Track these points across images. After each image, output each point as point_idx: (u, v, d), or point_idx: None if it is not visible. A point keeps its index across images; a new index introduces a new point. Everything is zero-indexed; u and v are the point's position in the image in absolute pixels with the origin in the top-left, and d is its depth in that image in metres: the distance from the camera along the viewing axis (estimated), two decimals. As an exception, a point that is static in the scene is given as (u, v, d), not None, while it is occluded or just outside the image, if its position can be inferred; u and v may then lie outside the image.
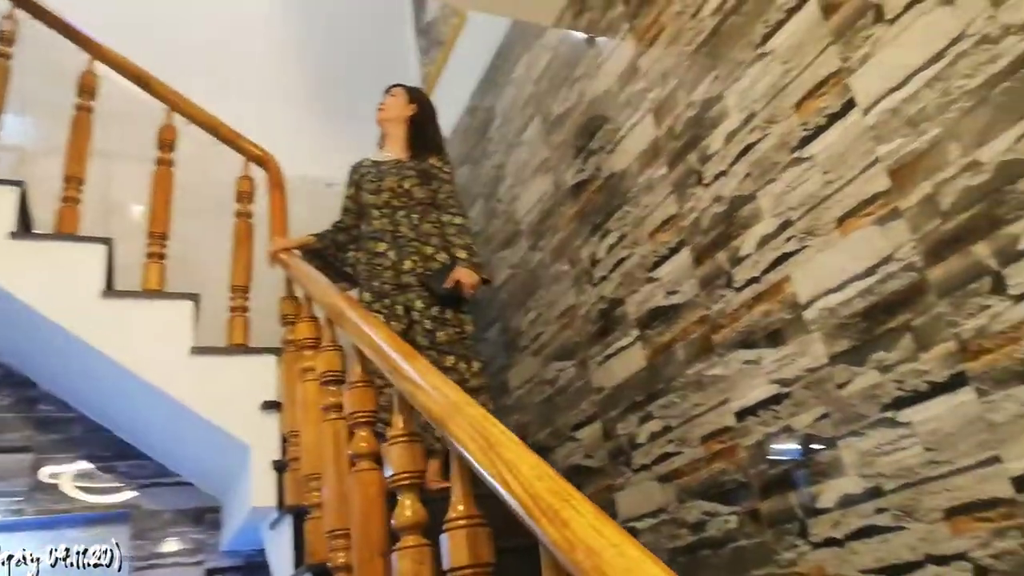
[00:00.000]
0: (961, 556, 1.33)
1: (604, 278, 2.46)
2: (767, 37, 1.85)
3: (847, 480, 1.57)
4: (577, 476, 2.44)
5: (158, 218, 2.60)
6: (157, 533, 2.88)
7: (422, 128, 2.75)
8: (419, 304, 2.45)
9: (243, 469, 2.43)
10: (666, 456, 2.11)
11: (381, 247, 2.54)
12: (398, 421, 1.38)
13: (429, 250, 2.52)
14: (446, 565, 1.06)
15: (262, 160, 2.90)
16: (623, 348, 2.33)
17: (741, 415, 1.86)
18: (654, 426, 2.16)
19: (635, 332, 2.28)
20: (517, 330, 3.02)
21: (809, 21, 1.73)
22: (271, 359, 2.56)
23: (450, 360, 2.38)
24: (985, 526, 1.29)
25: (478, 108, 3.47)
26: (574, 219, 2.66)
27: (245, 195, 2.83)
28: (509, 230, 3.14)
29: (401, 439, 1.35)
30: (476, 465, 0.99)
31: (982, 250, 1.33)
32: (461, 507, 1.09)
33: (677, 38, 2.17)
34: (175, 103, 2.77)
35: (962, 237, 1.37)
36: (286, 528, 2.16)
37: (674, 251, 2.14)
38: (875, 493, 1.50)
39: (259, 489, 2.33)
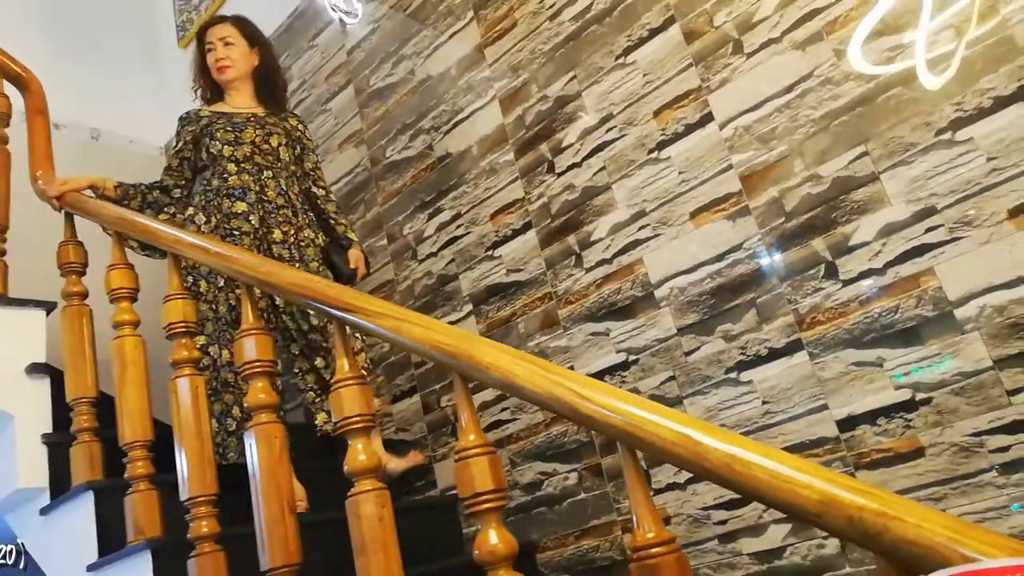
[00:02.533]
0: (790, 485, 1.67)
1: (433, 255, 2.51)
2: (629, 50, 2.10)
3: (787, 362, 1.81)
4: (392, 448, 2.43)
5: None
6: None
7: (271, 79, 2.39)
8: None
9: (0, 446, 1.97)
10: (499, 423, 2.23)
11: (240, 207, 2.16)
12: (343, 364, 1.30)
13: (299, 222, 2.22)
14: (467, 492, 1.06)
15: (20, 79, 2.39)
16: (453, 322, 2.40)
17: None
18: (487, 395, 2.26)
19: (468, 307, 2.37)
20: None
21: (671, 42, 2.02)
22: (39, 314, 2.12)
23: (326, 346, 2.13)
24: (815, 460, 1.65)
25: (271, 69, 3.25)
26: (395, 195, 2.66)
27: (1, 117, 2.30)
28: (305, 201, 3.00)
29: (349, 382, 1.28)
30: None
31: (819, 244, 1.70)
32: (472, 436, 1.09)
33: (532, 36, 2.33)
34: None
35: (802, 233, 1.73)
36: (79, 510, 1.81)
37: (518, 232, 2.28)
38: (716, 441, 1.80)
39: (26, 468, 1.92)
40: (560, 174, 2.21)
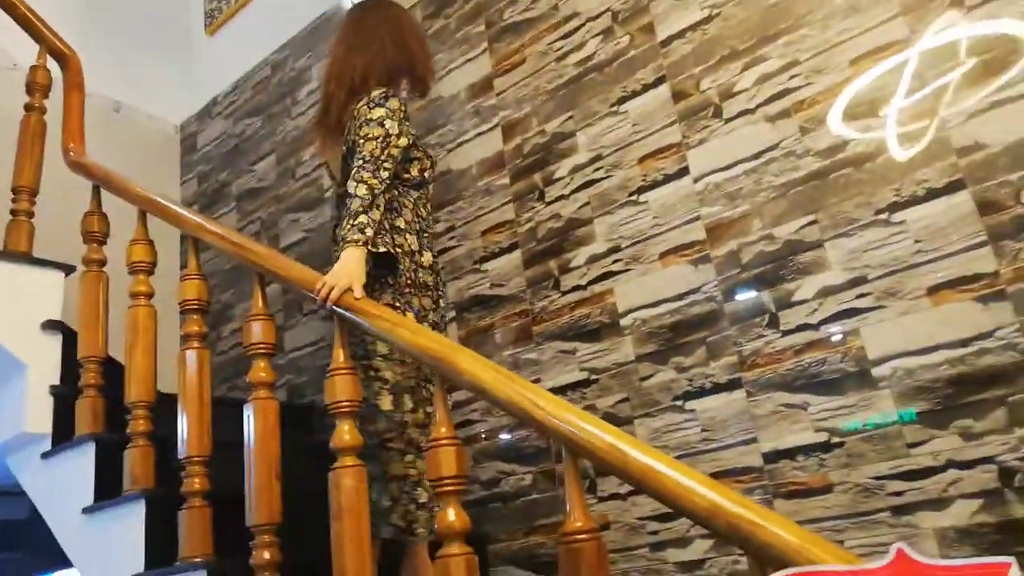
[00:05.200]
0: (717, 505, 1.89)
1: (424, 261, 2.71)
2: (623, 100, 2.32)
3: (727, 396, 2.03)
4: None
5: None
6: None
7: None
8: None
9: (11, 391, 2.16)
10: (468, 423, 2.43)
11: (428, 259, 1.96)
12: (339, 355, 1.50)
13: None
14: (434, 475, 1.26)
15: (64, 56, 2.58)
16: (436, 326, 2.60)
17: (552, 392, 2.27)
18: (459, 395, 2.47)
19: (452, 313, 2.58)
20: (302, 293, 3.09)
21: (660, 99, 2.24)
22: (58, 275, 2.31)
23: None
24: (740, 486, 1.87)
25: (286, 64, 3.45)
26: (396, 201, 2.86)
27: (40, 87, 2.49)
28: (311, 195, 3.20)
29: (342, 371, 1.49)
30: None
31: (766, 297, 1.93)
32: (444, 429, 1.30)
33: (538, 73, 2.55)
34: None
35: (753, 283, 1.96)
36: (79, 458, 2.00)
37: (505, 251, 2.50)
38: (658, 460, 2.01)
39: (34, 414, 2.10)
40: (549, 203, 2.42)
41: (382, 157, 1.81)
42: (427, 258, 1.96)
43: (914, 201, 1.76)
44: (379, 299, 1.76)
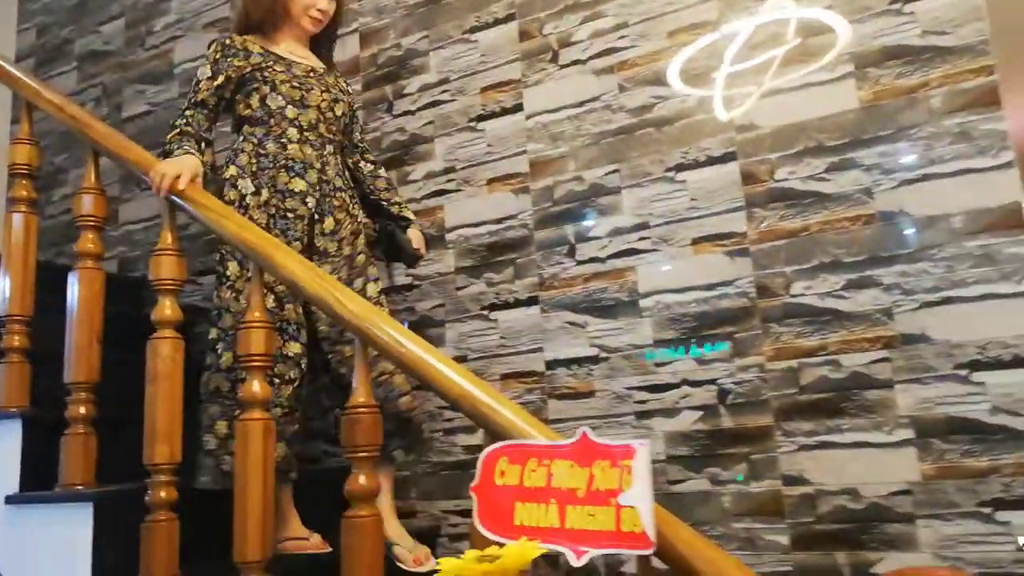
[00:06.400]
0: (503, 402, 2.22)
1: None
2: (475, 29, 2.47)
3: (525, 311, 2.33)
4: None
5: None
6: None
7: (333, 30, 2.14)
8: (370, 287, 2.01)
9: None
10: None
11: (300, 185, 1.88)
12: (167, 236, 1.63)
13: (354, 210, 2.01)
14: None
15: None
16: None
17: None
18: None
19: (292, 208, 2.70)
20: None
21: (508, 35, 2.42)
22: None
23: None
24: (523, 386, 2.20)
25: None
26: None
27: None
28: (159, 68, 3.14)
29: (168, 252, 1.62)
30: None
31: (569, 230, 2.22)
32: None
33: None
34: None
35: (560, 217, 2.24)
36: None
37: (350, 155, 2.62)
38: (462, 360, 2.30)
39: None
40: (396, 116, 2.57)
41: (186, 104, 1.91)
42: (264, 196, 1.86)
43: (696, 165, 2.09)
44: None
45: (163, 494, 1.50)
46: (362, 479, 1.34)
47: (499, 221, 2.33)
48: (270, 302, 1.81)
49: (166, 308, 1.60)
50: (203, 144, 1.87)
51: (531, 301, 2.24)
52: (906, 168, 1.85)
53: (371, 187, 2.12)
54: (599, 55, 2.26)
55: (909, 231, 1.83)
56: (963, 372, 1.73)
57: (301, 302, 1.87)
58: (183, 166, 1.67)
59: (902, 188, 1.85)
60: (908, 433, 1.76)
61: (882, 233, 1.85)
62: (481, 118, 2.42)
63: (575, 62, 2.29)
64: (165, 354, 1.56)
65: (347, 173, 2.07)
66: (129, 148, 1.75)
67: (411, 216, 2.14)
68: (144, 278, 2.69)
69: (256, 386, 1.45)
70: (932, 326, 1.78)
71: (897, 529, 1.74)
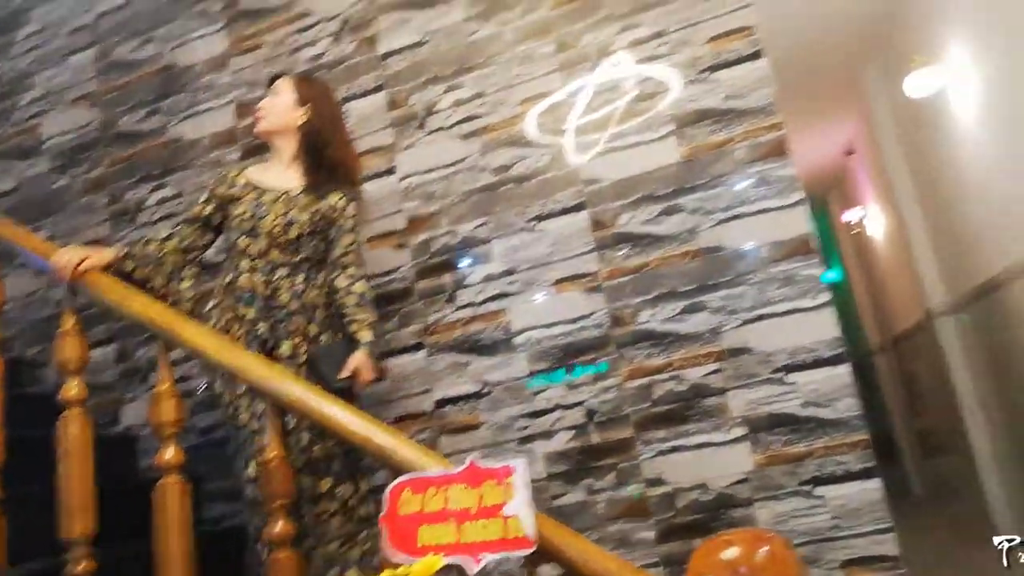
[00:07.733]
0: (398, 441, 2.41)
1: (149, 223, 2.87)
2: (347, 100, 2.68)
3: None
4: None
5: None
6: None
7: (319, 146, 2.09)
8: None
9: None
10: (185, 379, 2.69)
11: (248, 313, 1.96)
12: (68, 320, 1.73)
13: (313, 329, 1.98)
14: (156, 421, 1.57)
15: None
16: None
17: (269, 351, 2.62)
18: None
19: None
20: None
21: (378, 104, 2.65)
22: None
23: (326, 483, 1.90)
24: (416, 426, 2.40)
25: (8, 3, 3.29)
26: (123, 161, 2.96)
27: None
28: (25, 143, 3.14)
29: (70, 334, 1.72)
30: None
31: (447, 279, 2.46)
32: (167, 385, 1.61)
33: (271, 61, 2.82)
34: None
35: (438, 268, 2.48)
36: None
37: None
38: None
39: None
40: (275, 182, 2.72)
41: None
42: (224, 325, 1.98)
43: (552, 215, 2.39)
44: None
45: (83, 567, 1.59)
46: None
47: (384, 275, 2.54)
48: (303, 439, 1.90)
49: (72, 388, 1.70)
50: (190, 254, 2.08)
51: (417, 347, 2.46)
52: (720, 209, 2.23)
53: (341, 302, 2.01)
54: (462, 121, 2.53)
55: (728, 262, 2.20)
56: (778, 375, 2.11)
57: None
58: (87, 251, 1.78)
59: (719, 227, 2.23)
60: (741, 431, 2.12)
61: (706, 264, 2.22)
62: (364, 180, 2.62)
63: (441, 128, 2.56)
64: (74, 433, 1.66)
65: (317, 292, 2.02)
66: (28, 237, 1.84)
67: (365, 338, 1.94)
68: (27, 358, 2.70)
69: (171, 452, 1.59)
70: (752, 339, 2.15)
71: (740, 513, 2.08)
